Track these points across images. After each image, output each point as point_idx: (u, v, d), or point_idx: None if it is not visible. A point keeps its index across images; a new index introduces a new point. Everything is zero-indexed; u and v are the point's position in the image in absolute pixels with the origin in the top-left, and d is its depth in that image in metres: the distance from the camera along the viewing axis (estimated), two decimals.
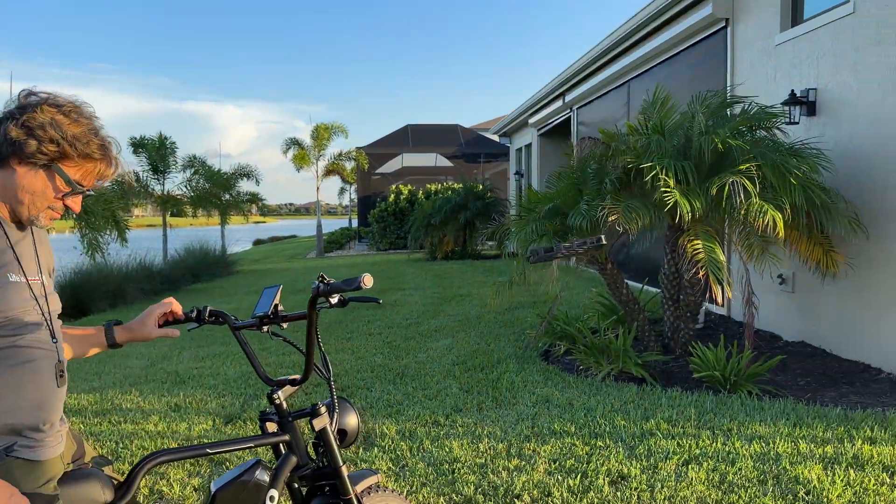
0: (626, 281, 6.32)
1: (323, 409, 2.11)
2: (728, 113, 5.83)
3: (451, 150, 30.05)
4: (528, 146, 19.03)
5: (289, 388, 2.12)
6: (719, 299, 5.21)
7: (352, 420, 2.25)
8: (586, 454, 3.72)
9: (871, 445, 3.66)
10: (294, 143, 24.61)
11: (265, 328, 2.11)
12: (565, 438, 3.97)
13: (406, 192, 23.51)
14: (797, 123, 6.10)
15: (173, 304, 2.07)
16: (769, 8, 6.76)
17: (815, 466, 3.41)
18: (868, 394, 4.78)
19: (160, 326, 2.06)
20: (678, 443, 3.82)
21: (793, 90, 6.13)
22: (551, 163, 15.81)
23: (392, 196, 23.55)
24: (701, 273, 5.03)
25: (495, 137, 24.74)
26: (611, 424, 4.16)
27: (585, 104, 13.41)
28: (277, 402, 2.07)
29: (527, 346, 6.40)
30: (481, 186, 18.82)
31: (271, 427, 2.09)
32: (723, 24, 7.68)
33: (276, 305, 2.11)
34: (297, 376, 2.13)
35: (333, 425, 2.14)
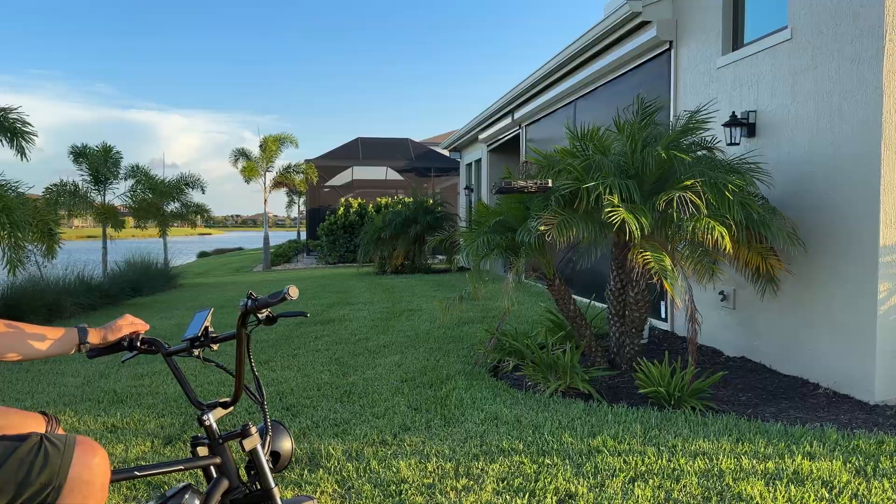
0: (573, 296, 6.38)
1: (253, 430, 2.10)
2: (669, 130, 5.96)
3: (401, 163, 30.06)
4: (479, 161, 19.16)
5: (219, 411, 2.10)
6: (679, 301, 5.30)
7: (286, 443, 2.22)
8: (534, 472, 3.71)
9: (810, 461, 3.75)
10: (242, 154, 24.23)
11: (196, 352, 2.08)
12: (513, 456, 3.95)
13: (356, 205, 23.37)
14: (738, 144, 6.29)
15: (138, 325, 2.07)
16: (711, 32, 6.98)
17: (758, 483, 3.48)
18: (807, 408, 4.92)
19: (90, 355, 2.03)
20: (624, 460, 3.84)
21: (734, 112, 6.33)
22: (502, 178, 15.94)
23: (342, 209, 23.38)
24: (655, 279, 5.12)
25: (446, 152, 24.84)
26: (558, 441, 4.17)
27: (533, 122, 13.59)
28: (207, 424, 2.06)
29: (476, 363, 6.39)
30: (432, 200, 18.84)
31: (203, 452, 2.06)
32: (667, 46, 7.89)
33: (207, 328, 2.09)
34: (228, 399, 2.11)
35: (266, 448, 2.12)
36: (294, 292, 1.84)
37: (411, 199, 19.45)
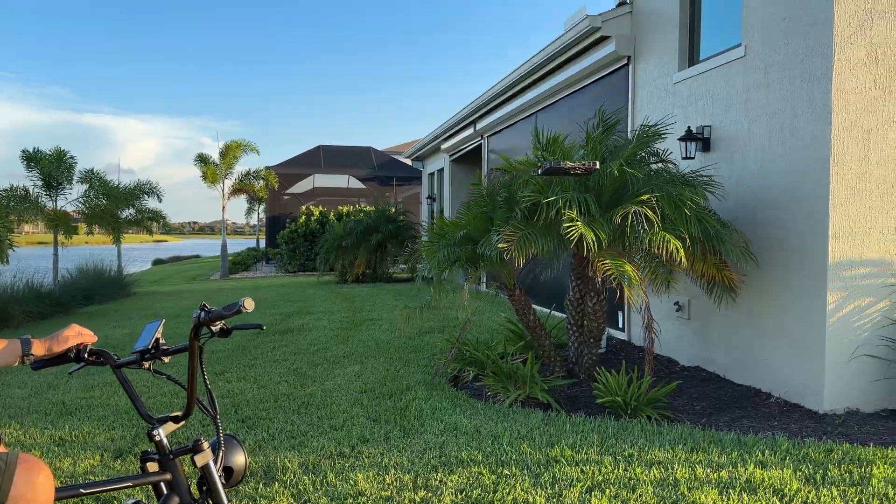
0: (534, 306, 6.43)
1: (206, 445, 2.06)
2: (625, 143, 6.06)
3: (363, 172, 29.94)
4: (441, 171, 19.21)
5: (170, 426, 2.06)
6: (636, 303, 5.37)
7: (239, 458, 2.19)
8: (493, 483, 3.71)
9: (762, 469, 3.83)
10: (202, 159, 23.84)
11: (146, 364, 2.04)
12: (472, 467, 3.95)
13: (317, 213, 23.18)
14: (693, 158, 6.43)
15: (85, 336, 2.01)
16: (668, 48, 7.13)
17: (712, 491, 3.53)
18: (759, 418, 5.03)
19: (35, 367, 1.98)
20: (582, 469, 3.87)
21: (689, 126, 6.47)
22: (463, 188, 16.01)
23: (302, 217, 23.16)
24: (615, 284, 5.19)
25: (408, 161, 24.85)
26: (517, 452, 4.18)
27: (495, 133, 13.68)
28: (158, 439, 2.02)
29: (436, 373, 6.37)
30: (394, 209, 18.80)
31: (153, 467, 2.02)
32: (625, 61, 8.03)
33: (157, 340, 2.04)
34: (180, 413, 2.07)
35: (219, 463, 2.08)
36: (249, 304, 1.82)
37: (373, 208, 19.38)
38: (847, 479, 3.68)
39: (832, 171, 5.00)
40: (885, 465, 3.87)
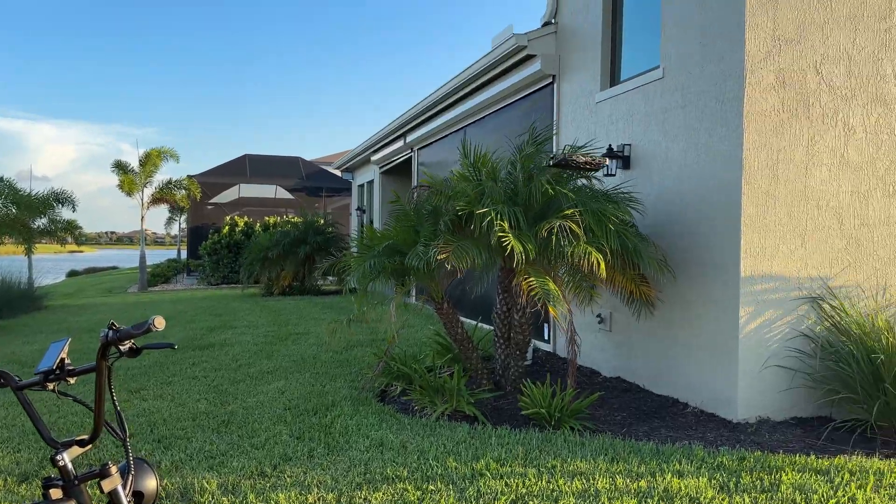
0: (461, 319, 6.45)
1: (114, 470, 1.97)
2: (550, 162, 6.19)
3: (291, 182, 29.45)
4: (371, 183, 19.12)
5: (76, 450, 1.96)
6: (560, 321, 5.46)
7: (150, 482, 2.10)
8: (418, 499, 3.68)
9: (679, 478, 3.95)
10: (120, 166, 22.92)
11: (50, 385, 1.93)
12: (397, 484, 3.91)
13: (242, 223, 22.64)
14: (614, 175, 6.62)
15: None
16: (591, 68, 7.34)
17: (631, 501, 3.61)
18: (677, 427, 5.19)
19: None
20: (506, 482, 3.89)
21: (610, 144, 6.66)
22: (398, 201, 15.96)
23: (227, 227, 22.56)
24: (540, 305, 5.26)
25: (338, 172, 24.62)
26: (443, 466, 4.17)
27: (425, 146, 13.74)
28: (62, 464, 1.91)
29: (363, 388, 6.30)
30: (323, 220, 18.56)
31: (56, 494, 1.91)
32: (550, 79, 8.22)
33: (63, 359, 1.94)
34: (87, 436, 1.97)
35: (128, 489, 1.99)
36: (160, 323, 1.75)
37: (301, 219, 19.08)
38: (758, 486, 3.84)
39: (744, 190, 5.24)
40: (793, 472, 4.05)
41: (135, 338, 1.82)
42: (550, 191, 5.47)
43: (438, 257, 5.21)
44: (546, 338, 8.44)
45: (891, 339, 4.98)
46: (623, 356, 6.74)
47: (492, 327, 6.48)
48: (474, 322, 8.62)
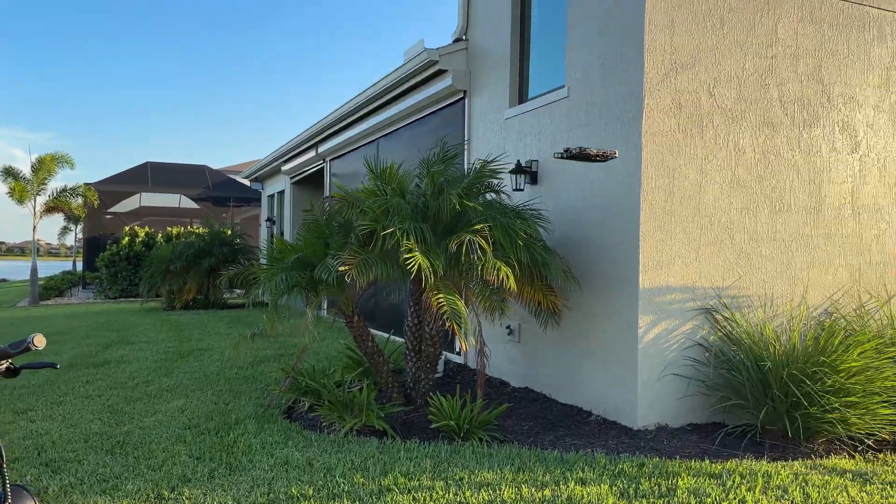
0: (374, 332, 6.41)
1: None
2: (462, 174, 6.26)
3: (197, 191, 28.45)
4: (281, 193, 18.75)
5: None
6: (464, 346, 5.50)
7: None
8: None
9: (582, 486, 4.05)
10: (10, 173, 21.50)
11: None
12: (302, 502, 3.82)
13: (143, 234, 21.67)
14: (522, 190, 6.77)
15: None
16: (500, 85, 7.49)
17: None
18: (581, 435, 5.33)
19: None
20: (414, 497, 3.87)
21: (519, 160, 6.81)
22: (310, 212, 15.69)
23: (126, 238, 21.52)
24: (448, 325, 5.28)
25: (247, 182, 24.00)
26: (350, 483, 4.10)
27: (338, 156, 13.61)
28: None
29: (269, 404, 6.13)
30: (230, 231, 18.02)
31: None
32: (462, 95, 8.34)
33: None
34: None
35: None
36: (40, 342, 1.64)
37: (207, 230, 18.46)
38: (656, 492, 3.98)
39: (642, 206, 5.46)
40: (689, 477, 4.23)
41: (12, 357, 1.70)
42: (458, 206, 5.53)
43: (339, 269, 5.16)
44: (458, 350, 8.49)
45: (778, 348, 5.30)
46: (531, 367, 6.86)
47: (404, 340, 6.46)
48: (386, 335, 8.57)
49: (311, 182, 16.50)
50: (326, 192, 14.07)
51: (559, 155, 5.71)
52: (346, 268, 5.17)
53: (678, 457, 4.69)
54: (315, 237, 6.24)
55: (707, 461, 4.55)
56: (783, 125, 5.93)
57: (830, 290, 6.12)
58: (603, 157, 5.68)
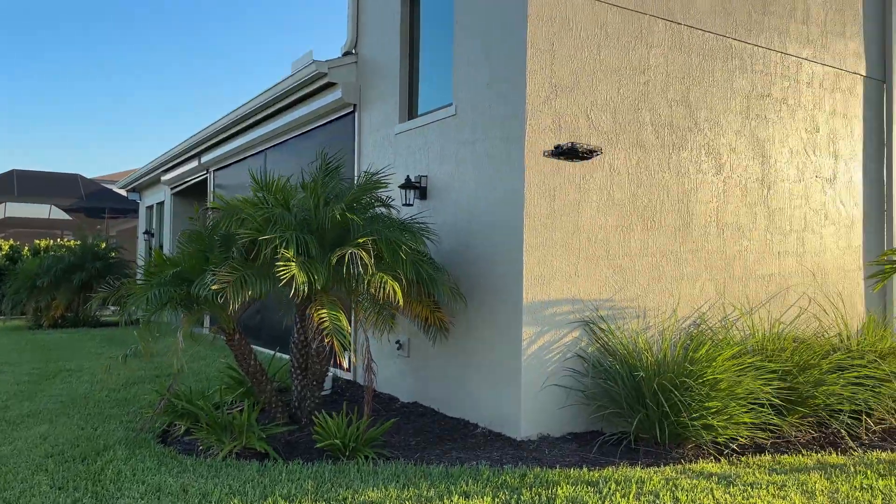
0: (260, 349, 6.21)
1: None
2: (349, 188, 6.22)
3: (69, 201, 26.64)
4: (161, 204, 17.89)
5: None
6: (344, 364, 5.43)
7: None
8: None
9: (465, 499, 4.08)
10: None
11: None
12: None
13: (7, 247, 20.04)
14: (412, 205, 6.80)
15: None
16: (390, 101, 7.51)
17: None
18: (467, 448, 5.38)
19: None
20: None
21: (408, 175, 6.84)
22: (186, 224, 15.04)
23: None
24: (326, 341, 5.19)
25: (123, 192, 22.72)
26: None
27: (223, 167, 13.16)
28: None
29: (142, 428, 5.79)
30: (104, 244, 16.98)
31: None
32: (351, 108, 8.29)
33: None
34: None
35: None
36: None
37: (78, 243, 17.30)
38: (537, 502, 4.08)
39: (525, 223, 5.62)
40: (568, 485, 4.36)
41: None
42: (338, 216, 5.47)
43: (213, 287, 4.98)
44: (347, 366, 8.38)
45: (650, 358, 5.59)
46: (420, 381, 6.87)
47: (290, 357, 6.29)
48: (272, 352, 8.33)
49: (193, 193, 15.85)
50: (209, 204, 13.56)
51: (548, 153, 5.85)
52: (221, 286, 4.98)
53: (559, 466, 4.83)
54: (195, 250, 5.99)
55: (585, 469, 4.72)
56: (654, 147, 6.29)
57: (698, 303, 6.53)
58: (589, 154, 5.87)
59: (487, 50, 6.11)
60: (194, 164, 14.04)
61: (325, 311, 5.17)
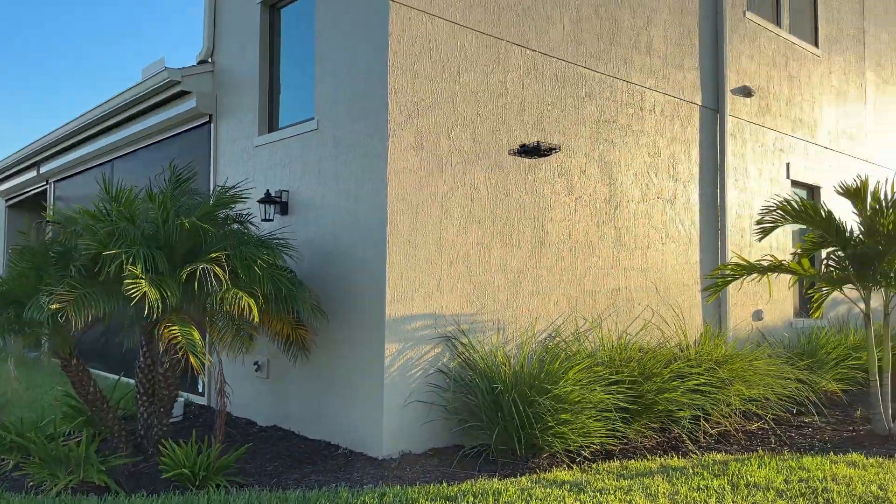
0: (104, 375, 5.75)
1: None
2: (202, 201, 5.94)
3: None
4: None
5: None
6: (201, 373, 5.15)
7: None
8: None
9: None
10: None
11: None
12: None
13: None
14: (272, 220, 6.60)
15: None
16: (249, 112, 7.28)
17: None
18: (327, 471, 5.25)
19: None
20: None
21: (268, 190, 6.65)
22: (24, 239, 13.74)
23: None
24: (181, 354, 4.92)
25: None
26: None
27: (65, 178, 12.17)
28: None
29: None
30: None
31: None
32: (207, 119, 7.96)
33: None
34: None
35: None
36: None
37: None
38: None
39: (388, 239, 5.62)
40: (426, 502, 4.37)
41: None
42: (187, 224, 5.21)
43: (51, 307, 4.59)
44: (201, 390, 7.96)
45: (508, 371, 5.74)
46: (280, 403, 6.65)
47: (135, 382, 5.88)
48: (116, 377, 7.75)
49: (31, 206, 14.53)
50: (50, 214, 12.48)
51: (513, 151, 5.93)
52: (60, 305, 4.59)
53: (419, 483, 4.83)
54: (27, 267, 5.47)
55: (445, 484, 4.74)
56: (512, 168, 6.51)
57: (553, 316, 6.80)
58: (549, 151, 6.38)
59: (350, 66, 6.08)
60: (32, 174, 12.90)
61: (176, 327, 4.90)
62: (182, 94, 8.01)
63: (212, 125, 7.90)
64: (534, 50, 6.75)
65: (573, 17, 7.14)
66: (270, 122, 7.16)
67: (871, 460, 5.45)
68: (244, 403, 6.97)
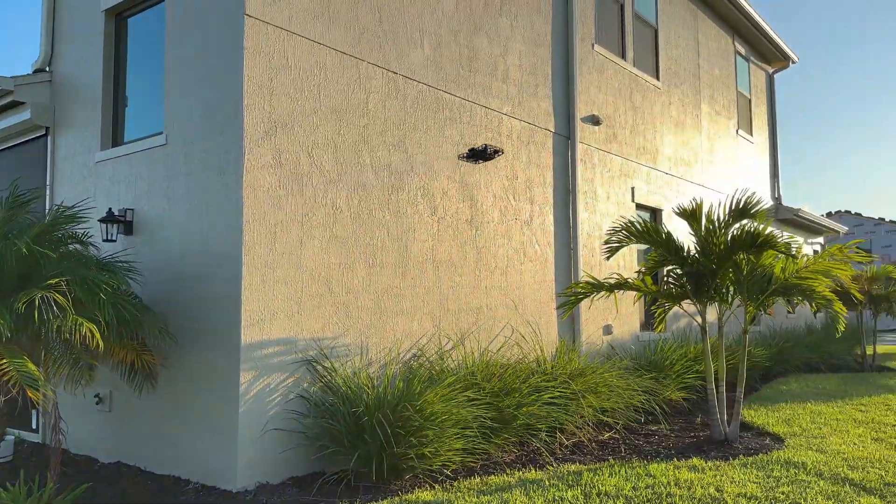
0: None
1: None
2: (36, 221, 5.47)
3: None
4: None
5: None
6: (43, 405, 4.70)
7: None
8: None
9: None
10: None
11: None
12: None
13: None
14: (115, 241, 6.17)
15: None
16: (90, 125, 6.79)
17: None
18: None
19: None
20: None
21: (111, 208, 6.21)
22: None
23: None
24: (15, 390, 4.46)
25: None
26: None
27: None
28: None
29: None
30: None
31: None
32: (43, 132, 7.34)
33: None
34: None
35: None
36: None
37: None
38: None
39: (244, 260, 5.40)
40: None
41: None
42: (24, 249, 4.77)
43: None
44: (34, 426, 7.25)
45: (371, 394, 5.67)
46: (124, 438, 6.17)
47: None
48: None
49: None
50: None
51: (463, 155, 6.31)
52: None
53: None
54: None
55: None
56: (375, 188, 6.50)
57: (417, 336, 6.82)
58: (494, 153, 7.08)
59: (202, 80, 5.83)
60: None
61: (6, 360, 4.45)
62: (15, 105, 7.34)
63: (48, 138, 7.29)
64: (395, 72, 6.81)
65: (433, 43, 7.29)
66: (115, 135, 6.71)
67: (710, 464, 5.88)
68: (84, 439, 6.41)
